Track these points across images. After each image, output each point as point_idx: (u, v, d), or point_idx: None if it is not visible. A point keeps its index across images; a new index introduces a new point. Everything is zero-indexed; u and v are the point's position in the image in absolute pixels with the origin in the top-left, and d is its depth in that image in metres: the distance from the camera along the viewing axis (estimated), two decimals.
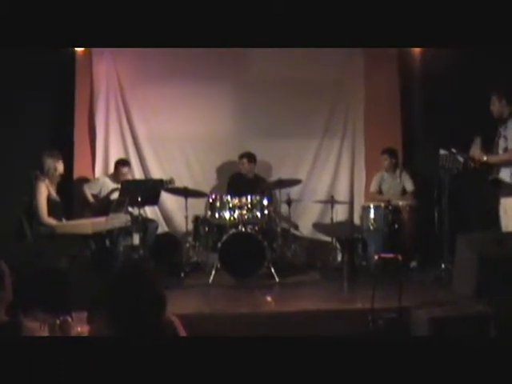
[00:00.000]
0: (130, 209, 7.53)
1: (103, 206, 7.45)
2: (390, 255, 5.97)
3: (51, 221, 6.63)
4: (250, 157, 8.42)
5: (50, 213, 6.66)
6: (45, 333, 3.82)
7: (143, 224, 7.72)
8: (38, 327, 3.51)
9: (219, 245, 7.26)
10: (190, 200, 7.98)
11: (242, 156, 8.44)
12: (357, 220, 8.56)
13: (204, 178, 8.80)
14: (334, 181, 8.92)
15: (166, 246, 8.10)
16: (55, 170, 6.82)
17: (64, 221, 6.79)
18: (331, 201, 8.20)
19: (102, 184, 8.01)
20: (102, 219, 6.78)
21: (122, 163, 8.13)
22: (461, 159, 6.75)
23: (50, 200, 6.68)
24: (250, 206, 7.50)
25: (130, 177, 8.22)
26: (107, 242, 7.14)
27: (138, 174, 8.65)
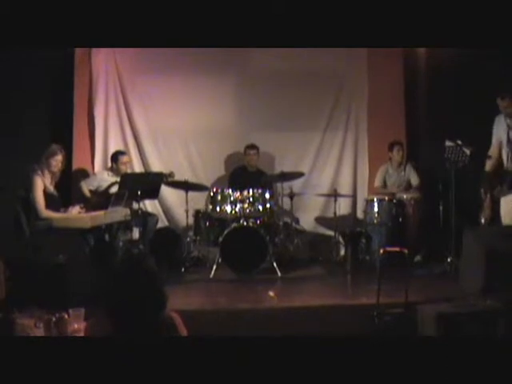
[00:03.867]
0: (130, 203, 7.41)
1: (102, 201, 7.33)
2: (396, 249, 5.86)
3: (49, 213, 6.51)
4: (257, 149, 8.32)
5: (47, 206, 6.53)
6: (40, 330, 3.72)
7: (143, 218, 7.60)
8: (32, 324, 3.41)
9: (220, 239, 7.18)
10: (191, 194, 7.89)
11: (251, 147, 8.33)
12: (360, 214, 8.44)
13: (205, 172, 8.69)
14: (336, 174, 8.81)
15: (167, 240, 7.97)
16: (50, 164, 6.68)
17: (62, 211, 6.69)
18: (334, 194, 8.09)
19: (100, 179, 7.88)
20: (100, 213, 6.66)
21: (121, 153, 8.01)
22: (467, 151, 6.65)
23: (45, 194, 6.56)
24: (251, 199, 7.42)
25: (130, 167, 8.10)
26: (106, 237, 7.04)
27: (137, 168, 8.54)
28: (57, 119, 8.11)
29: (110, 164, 8.08)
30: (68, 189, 7.74)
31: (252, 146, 8.32)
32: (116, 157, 7.91)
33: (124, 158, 7.92)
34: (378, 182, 8.38)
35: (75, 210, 6.79)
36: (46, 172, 6.66)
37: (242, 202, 7.41)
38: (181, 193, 7.99)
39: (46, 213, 6.50)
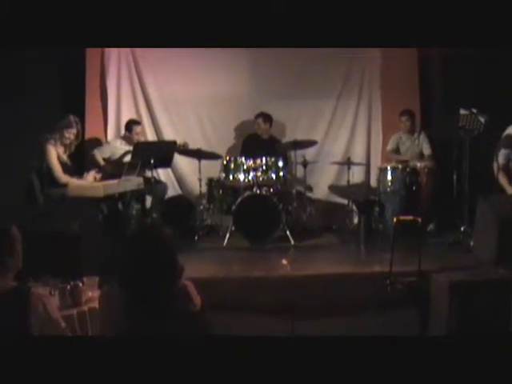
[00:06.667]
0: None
1: (115, 169, 7.33)
2: (409, 217, 5.84)
3: (67, 178, 6.56)
4: (266, 117, 8.28)
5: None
6: (55, 298, 3.75)
7: (154, 186, 7.60)
8: (46, 293, 3.44)
9: (234, 207, 7.18)
10: (204, 162, 7.88)
11: (257, 116, 8.30)
12: (373, 182, 8.40)
13: (218, 140, 8.67)
14: (350, 142, 8.77)
15: (180, 208, 7.99)
16: (64, 135, 6.70)
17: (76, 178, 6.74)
18: (347, 162, 8.06)
19: (114, 147, 7.88)
20: (113, 182, 6.69)
21: (135, 123, 8.01)
22: (482, 119, 6.59)
23: (59, 162, 6.59)
24: (264, 167, 7.40)
25: (143, 137, 8.10)
26: (120, 206, 7.07)
27: (150, 137, 8.53)
28: (69, 88, 8.10)
29: (123, 132, 8.08)
30: (81, 158, 7.74)
31: (258, 115, 8.30)
32: (130, 126, 7.91)
33: (138, 128, 7.93)
34: (389, 147, 8.32)
35: (90, 176, 6.83)
36: (59, 142, 6.68)
37: (255, 170, 7.39)
38: (194, 161, 7.98)
39: (64, 178, 6.55)
